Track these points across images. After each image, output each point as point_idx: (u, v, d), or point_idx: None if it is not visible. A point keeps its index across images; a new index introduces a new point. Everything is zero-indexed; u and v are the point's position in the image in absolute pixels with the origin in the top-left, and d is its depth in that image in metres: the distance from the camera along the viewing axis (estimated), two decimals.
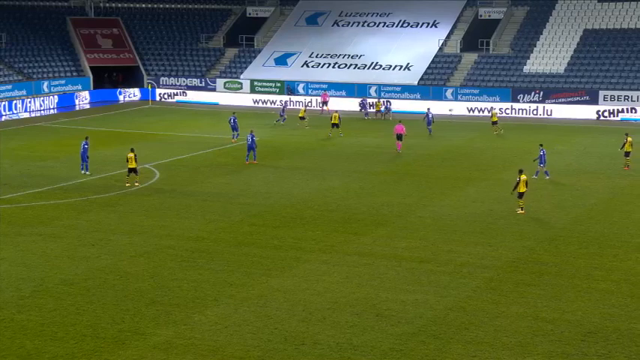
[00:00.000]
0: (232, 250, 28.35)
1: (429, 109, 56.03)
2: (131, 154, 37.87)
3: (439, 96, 67.05)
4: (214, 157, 46.16)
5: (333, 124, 52.50)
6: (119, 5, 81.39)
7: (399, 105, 66.92)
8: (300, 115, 57.34)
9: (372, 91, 69.31)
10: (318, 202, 35.46)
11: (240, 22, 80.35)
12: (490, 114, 57.10)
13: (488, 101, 65.97)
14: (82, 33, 76.55)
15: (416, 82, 69.52)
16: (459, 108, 65.15)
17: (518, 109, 65.07)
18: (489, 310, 22.70)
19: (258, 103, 70.43)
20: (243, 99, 71.10)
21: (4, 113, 62.16)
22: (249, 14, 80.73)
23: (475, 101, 66.46)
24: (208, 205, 34.86)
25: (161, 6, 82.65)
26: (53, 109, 66.45)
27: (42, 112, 64.57)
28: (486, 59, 70.70)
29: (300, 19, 79.39)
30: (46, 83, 69.26)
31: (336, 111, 55.08)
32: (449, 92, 67.72)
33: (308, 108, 63.55)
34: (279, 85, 71.83)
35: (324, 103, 67.23)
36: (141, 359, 19.43)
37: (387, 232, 30.85)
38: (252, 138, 43.59)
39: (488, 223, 32.02)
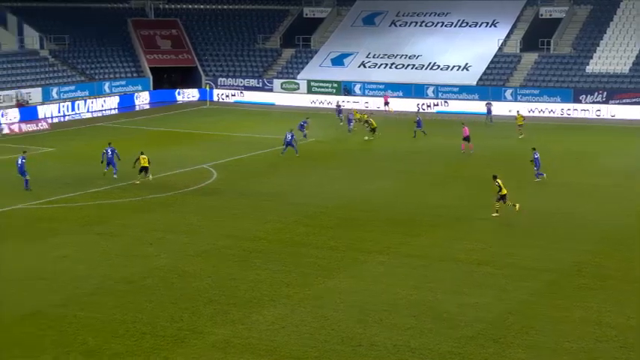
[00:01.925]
0: (289, 250, 28.42)
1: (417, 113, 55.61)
2: (144, 157, 38.60)
3: (498, 96, 66.20)
4: (271, 157, 46.36)
5: (372, 129, 51.22)
6: (178, 6, 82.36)
7: (457, 106, 66.36)
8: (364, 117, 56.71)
9: (430, 91, 68.83)
10: (373, 203, 35.34)
11: (297, 22, 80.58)
12: (515, 116, 54.52)
13: (549, 102, 64.96)
14: (142, 34, 77.68)
15: (474, 83, 68.81)
16: (518, 108, 64.15)
17: (580, 110, 63.91)
18: (550, 314, 22.33)
19: (314, 103, 70.53)
20: (300, 99, 71.26)
21: (67, 113, 63.41)
22: (306, 15, 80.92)
23: (535, 102, 65.49)
24: (265, 205, 35.02)
25: (219, 7, 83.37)
26: (114, 109, 67.54)
27: (103, 112, 65.69)
28: (547, 59, 69.62)
29: (357, 20, 79.27)
30: (107, 84, 70.47)
31: (372, 113, 53.81)
32: (508, 93, 66.86)
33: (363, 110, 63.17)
34: (335, 85, 71.85)
35: (386, 103, 67.15)
36: (199, 358, 19.60)
37: (444, 233, 30.59)
38: (291, 136, 45.63)
39: (547, 226, 31.51)
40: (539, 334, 20.93)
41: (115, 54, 74.76)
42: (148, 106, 70.21)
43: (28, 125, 56.51)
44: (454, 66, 71.00)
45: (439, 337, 20.81)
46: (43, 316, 22.01)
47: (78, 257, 27.42)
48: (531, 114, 64.09)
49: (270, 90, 73.59)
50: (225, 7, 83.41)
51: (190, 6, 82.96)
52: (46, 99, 64.51)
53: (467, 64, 70.74)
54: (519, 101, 65.76)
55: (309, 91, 72.43)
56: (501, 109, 62.98)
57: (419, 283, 24.86)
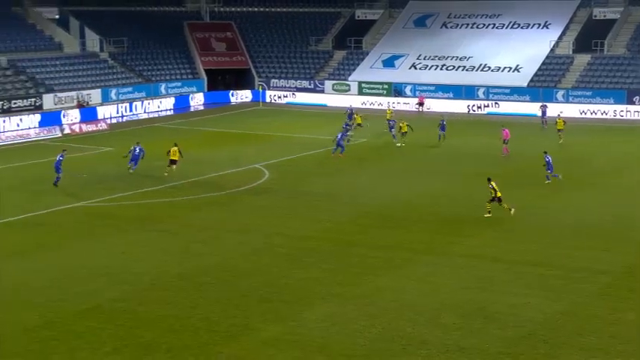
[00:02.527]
0: (339, 249, 28.48)
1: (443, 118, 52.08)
2: (175, 148, 39.90)
3: (549, 98, 65.32)
4: (322, 157, 46.47)
5: (403, 133, 49.84)
6: (233, 10, 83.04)
7: (507, 107, 65.71)
8: (357, 121, 55.07)
9: (480, 92, 68.26)
10: (424, 203, 35.20)
11: (348, 25, 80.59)
12: (556, 121, 52.09)
13: (602, 103, 63.90)
14: (197, 37, 78.50)
15: (525, 84, 68.01)
16: (569, 110, 63.28)
17: (634, 112, 62.71)
18: (604, 316, 21.99)
19: (365, 104, 70.47)
20: (351, 100, 71.21)
21: (125, 114, 64.43)
22: (358, 17, 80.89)
23: (587, 103, 64.47)
24: (316, 204, 35.14)
25: (273, 10, 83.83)
26: (170, 110, 68.38)
27: (159, 113, 66.55)
28: (600, 60, 68.47)
29: (409, 22, 78.97)
30: (163, 85, 71.40)
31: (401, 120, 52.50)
32: (560, 94, 65.94)
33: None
34: (386, 86, 71.70)
35: (421, 104, 66.96)
36: (251, 353, 19.77)
37: (495, 234, 30.33)
38: (341, 136, 46.04)
39: (601, 228, 31.02)
40: (591, 336, 20.64)
41: (171, 56, 75.71)
42: (202, 107, 70.94)
43: (88, 125, 57.56)
44: (505, 67, 70.29)
45: (489, 337, 20.66)
46: (103, 310, 22.43)
47: (136, 254, 27.87)
48: (583, 115, 63.18)
49: (322, 91, 73.74)
50: (278, 10, 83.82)
51: (245, 9, 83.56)
52: (105, 100, 65.63)
53: (518, 65, 69.98)
54: (571, 103, 64.84)
55: (360, 92, 72.40)
56: (553, 110, 62.11)
57: (468, 283, 24.70)
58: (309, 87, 74.45)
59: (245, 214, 33.44)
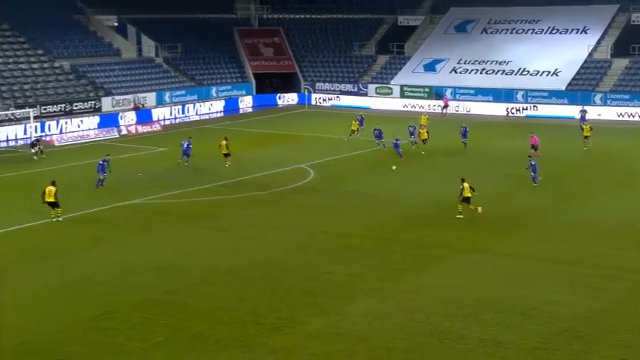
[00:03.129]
0: (381, 246, 28.46)
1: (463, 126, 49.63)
2: (224, 142, 42.82)
3: (587, 101, 64.32)
4: (365, 158, 46.44)
5: (423, 140, 48.24)
6: (280, 16, 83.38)
7: (546, 110, 64.95)
8: (352, 127, 52.36)
9: (519, 96, 67.54)
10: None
11: (391, 30, 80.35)
12: (581, 127, 49.85)
13: (639, 106, 62.75)
14: (246, 42, 79.02)
15: (564, 88, 67.08)
16: (607, 113, 62.27)
17: None
18: (638, 314, 21.63)
19: (407, 107, 70.25)
20: (393, 103, 71.10)
21: (177, 116, 65.13)
22: (401, 23, 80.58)
23: (625, 106, 63.36)
24: (359, 203, 35.14)
25: (318, 16, 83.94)
26: (220, 112, 68.88)
27: (210, 115, 67.11)
28: (638, 64, 67.21)
29: (450, 27, 78.45)
30: (214, 89, 71.99)
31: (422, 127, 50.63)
32: (597, 97, 64.90)
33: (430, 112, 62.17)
34: (427, 90, 71.33)
35: (445, 106, 66.53)
36: (296, 345, 19.88)
37: (533, 233, 30.03)
38: (397, 141, 45.35)
39: (635, 228, 30.49)
40: (626, 333, 20.34)
41: (221, 61, 76.32)
42: (250, 110, 71.37)
43: (143, 127, 58.31)
44: (544, 71, 69.43)
45: (526, 332, 20.49)
46: (156, 302, 22.74)
47: (187, 249, 28.19)
48: (620, 118, 62.16)
49: (365, 94, 73.65)
50: (324, 16, 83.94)
51: (292, 16, 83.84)
52: (160, 103, 66.42)
53: (556, 69, 69.07)
54: (609, 106, 63.80)
55: (402, 95, 72.15)
56: (591, 114, 61.21)
57: (506, 281, 24.51)
58: (353, 90, 74.43)
59: (291, 212, 33.59)
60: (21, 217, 31.85)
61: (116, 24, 72.49)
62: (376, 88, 73.67)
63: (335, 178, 40.81)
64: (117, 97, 63.50)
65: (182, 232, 30.43)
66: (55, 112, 58.12)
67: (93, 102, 61.49)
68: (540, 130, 50.88)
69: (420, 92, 71.57)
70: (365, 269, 25.78)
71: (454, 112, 66.99)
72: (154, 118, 62.32)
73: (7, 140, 51.01)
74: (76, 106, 60.03)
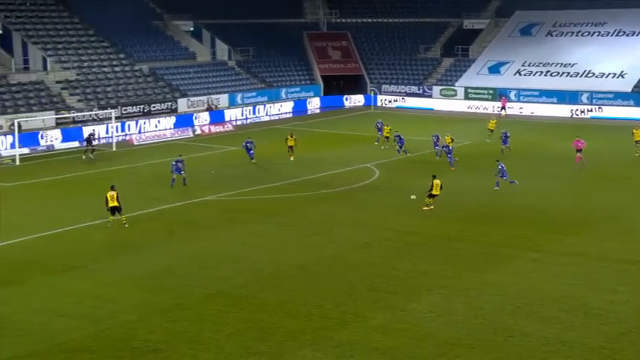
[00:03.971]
0: (445, 244, 28.12)
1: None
2: (292, 138, 43.96)
3: None
4: (430, 157, 45.95)
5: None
6: (348, 20, 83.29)
7: (611, 112, 63.22)
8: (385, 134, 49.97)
9: (584, 98, 65.88)
10: (526, 202, 34.29)
11: (456, 34, 79.40)
12: (632, 132, 46.93)
13: None
14: (315, 46, 79.22)
15: (630, 90, 65.14)
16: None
17: None
18: None
19: (470, 108, 69.32)
20: (457, 105, 70.27)
21: (248, 116, 65.71)
22: (466, 26, 79.54)
23: None
24: (422, 202, 34.76)
25: (385, 20, 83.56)
26: (289, 113, 69.20)
27: (279, 115, 67.50)
28: None
29: (515, 30, 77.05)
30: (283, 90, 72.37)
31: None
32: None
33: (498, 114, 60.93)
34: (491, 92, 70.23)
35: (503, 108, 65.32)
36: (361, 339, 19.76)
37: (597, 233, 29.22)
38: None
39: None
40: None
41: (291, 64, 76.70)
42: (318, 111, 71.49)
43: (216, 127, 58.99)
44: (609, 73, 67.55)
45: (590, 331, 19.91)
46: (227, 295, 22.91)
47: (258, 244, 28.35)
48: None
49: (430, 96, 72.98)
50: (390, 20, 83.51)
51: (359, 20, 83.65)
52: (232, 104, 67.12)
53: (622, 71, 67.11)
54: None
55: (466, 97, 71.24)
56: None
57: (570, 280, 23.89)
58: (418, 92, 73.84)
59: (357, 210, 33.47)
60: (101, 212, 32.55)
61: (192, 29, 73.59)
62: (440, 89, 72.93)
63: (400, 177, 40.51)
64: (192, 99, 64.44)
65: (252, 227, 30.63)
66: (134, 112, 59.34)
67: (169, 103, 62.53)
68: (605, 132, 49.56)
69: (484, 94, 70.54)
70: (429, 266, 25.50)
71: (518, 113, 65.80)
72: (227, 119, 62.99)
73: (93, 133, 52.17)
74: (154, 107, 61.15)
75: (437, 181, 32.71)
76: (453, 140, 44.32)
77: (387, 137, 49.16)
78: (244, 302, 22.29)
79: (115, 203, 29.77)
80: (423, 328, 20.38)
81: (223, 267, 25.58)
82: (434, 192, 32.67)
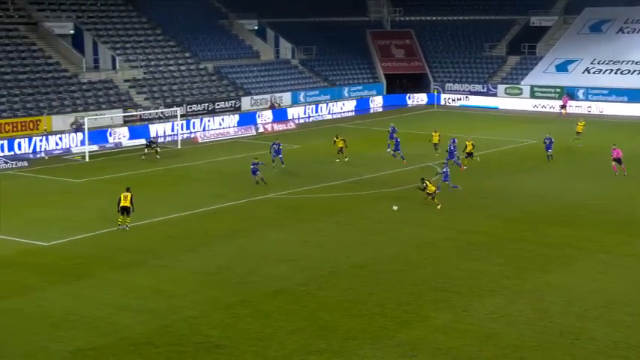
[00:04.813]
0: (508, 245, 27.67)
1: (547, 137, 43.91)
2: (339, 139, 43.39)
3: None
4: (493, 158, 45.28)
5: (469, 153, 42.83)
6: (412, 18, 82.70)
7: None
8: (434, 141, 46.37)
9: None
10: (592, 203, 33.50)
11: (523, 31, 78.05)
12: (576, 124, 45.82)
13: None
14: (378, 44, 78.95)
15: None
16: None
17: None
18: None
19: (537, 107, 68.04)
20: (522, 104, 69.04)
21: (311, 115, 65.90)
22: (533, 24, 78.10)
23: None
24: (486, 201, 34.33)
25: (450, 18, 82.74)
26: (351, 111, 69.12)
27: (342, 114, 67.49)
28: None
29: (584, 28, 75.26)
30: (346, 89, 72.35)
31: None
32: None
33: None
34: (558, 90, 68.78)
35: (563, 106, 63.79)
36: (423, 339, 19.60)
37: None
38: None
39: None
40: None
41: (354, 62, 76.61)
42: (381, 109, 71.20)
43: (279, 125, 59.34)
44: None
45: None
46: (288, 292, 23.01)
47: (318, 242, 28.40)
48: None
49: (494, 95, 71.92)
50: (455, 18, 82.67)
51: (423, 18, 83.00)
52: (295, 102, 67.45)
53: None
54: None
55: (532, 95, 69.96)
56: None
57: (637, 282, 23.19)
58: (482, 90, 72.87)
59: (418, 209, 33.20)
60: (167, 209, 33.10)
61: (256, 28, 74.19)
62: (505, 88, 71.81)
63: (463, 176, 39.99)
64: (255, 97, 65.00)
65: (312, 226, 30.70)
66: (199, 110, 60.18)
67: (233, 101, 63.21)
68: None
69: (550, 92, 69.15)
70: (492, 267, 25.12)
71: (586, 112, 64.23)
72: (289, 117, 63.31)
73: (157, 137, 53.12)
74: (218, 105, 61.90)
75: (427, 182, 32.95)
76: (474, 147, 42.52)
77: (435, 144, 45.64)
78: (305, 300, 22.35)
79: (127, 204, 29.35)
80: (486, 329, 20.08)
81: (284, 264, 25.70)
82: (429, 190, 32.78)
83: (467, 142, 42.95)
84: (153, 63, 63.15)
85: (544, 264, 25.31)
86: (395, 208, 32.29)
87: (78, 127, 50.37)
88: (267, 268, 25.28)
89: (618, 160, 39.21)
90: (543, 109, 67.02)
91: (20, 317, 20.91)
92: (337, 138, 44.47)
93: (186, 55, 66.29)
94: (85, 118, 48.38)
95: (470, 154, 42.46)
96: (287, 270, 25.13)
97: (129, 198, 29.47)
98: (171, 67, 64.01)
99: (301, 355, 18.72)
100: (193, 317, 21.04)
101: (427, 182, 33.12)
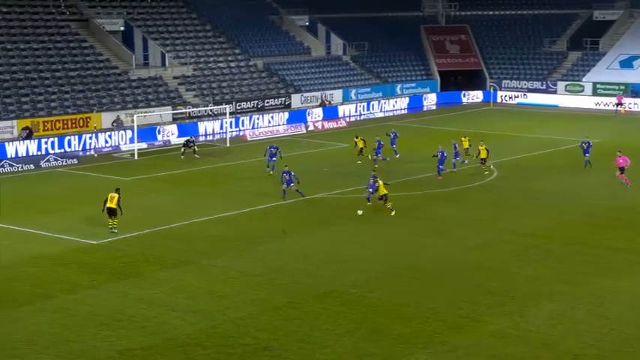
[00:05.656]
0: (566, 248, 27.25)
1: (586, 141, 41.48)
2: (359, 139, 43.24)
3: None
4: (550, 157, 44.63)
5: (483, 160, 40.61)
6: (468, 13, 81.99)
7: None
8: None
9: None
10: None
11: (585, 25, 76.64)
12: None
13: None
14: (433, 40, 78.45)
15: None
16: None
17: None
18: None
19: (599, 105, 66.75)
20: (584, 101, 67.82)
21: (362, 113, 65.80)
22: (596, 18, 76.63)
23: None
24: (542, 203, 33.87)
25: (507, 13, 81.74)
26: (403, 109, 68.84)
27: (394, 112, 67.26)
28: None
29: None
30: (399, 86, 72.10)
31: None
32: None
33: None
34: (622, 87, 67.36)
35: (619, 104, 62.77)
36: (478, 344, 19.43)
37: None
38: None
39: None
40: None
41: (407, 58, 76.28)
42: (434, 107, 70.70)
43: (329, 123, 59.41)
44: None
45: None
46: (338, 294, 23.02)
47: (368, 243, 28.36)
48: None
49: (554, 92, 70.80)
50: (513, 12, 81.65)
51: (480, 12, 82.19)
52: (346, 99, 67.47)
53: None
54: None
55: (594, 93, 68.69)
56: None
57: None
58: (541, 88, 71.79)
59: (473, 210, 32.93)
60: (216, 208, 33.43)
61: (307, 23, 74.44)
62: (566, 85, 70.63)
63: (519, 176, 39.52)
64: (305, 94, 65.22)
65: (362, 226, 30.66)
66: (248, 108, 60.65)
67: (283, 99, 63.53)
68: None
69: (614, 90, 67.77)
70: (549, 271, 24.76)
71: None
72: (340, 115, 63.33)
73: (206, 135, 53.78)
74: (267, 102, 62.29)
75: (380, 182, 32.01)
76: (488, 152, 39.91)
77: (467, 149, 43.25)
78: (355, 302, 22.34)
79: (113, 205, 28.97)
80: (544, 335, 19.81)
81: (333, 265, 25.74)
82: (381, 192, 31.85)
83: (480, 148, 40.26)
84: (202, 59, 63.88)
85: (604, 268, 24.86)
86: (360, 212, 31.61)
87: (119, 125, 51.24)
88: (315, 269, 25.35)
89: (622, 169, 36.03)
90: (606, 107, 65.72)
91: (69, 316, 21.38)
92: (357, 138, 44.14)
93: (236, 51, 66.89)
94: (135, 116, 49.19)
95: (483, 160, 40.14)
96: (336, 271, 25.15)
97: (115, 199, 29.06)
98: (221, 64, 64.66)
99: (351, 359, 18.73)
100: (241, 318, 21.22)
101: (379, 182, 31.85)
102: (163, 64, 60.71)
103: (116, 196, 29.29)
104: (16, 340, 19.77)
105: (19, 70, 53.21)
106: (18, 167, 42.25)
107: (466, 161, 42.09)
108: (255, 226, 30.90)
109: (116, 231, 29.29)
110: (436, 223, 30.83)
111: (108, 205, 29.16)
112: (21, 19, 57.72)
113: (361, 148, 43.76)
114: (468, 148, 43.61)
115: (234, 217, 32.07)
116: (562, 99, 69.30)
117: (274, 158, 40.58)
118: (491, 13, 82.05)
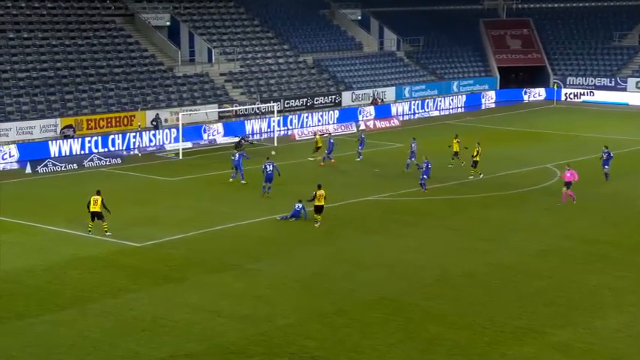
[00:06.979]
0: (633, 256, 26.82)
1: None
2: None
3: None
4: (619, 159, 43.71)
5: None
6: (531, 6, 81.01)
7: None
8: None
9: None
10: None
11: None
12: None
13: None
14: (492, 34, 77.73)
15: None
16: None
17: None
18: None
19: None
20: None
21: (417, 111, 65.52)
22: None
23: None
24: (607, 207, 33.35)
25: (574, 5, 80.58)
26: (460, 107, 68.40)
27: (450, 110, 66.85)
28: None
29: None
30: (455, 83, 71.63)
31: None
32: None
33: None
34: None
35: None
36: (537, 357, 19.21)
37: None
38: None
39: None
40: None
41: (465, 54, 75.74)
42: (493, 105, 70.05)
43: (382, 122, 59.29)
44: None
45: None
46: (389, 302, 22.98)
47: (421, 248, 28.24)
48: None
49: (624, 89, 69.53)
50: (580, 4, 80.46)
51: (544, 5, 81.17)
52: (399, 97, 67.27)
53: None
54: None
55: None
56: None
57: None
58: (609, 85, 70.57)
59: (533, 214, 32.56)
60: (262, 210, 33.62)
61: (359, 18, 74.46)
62: (637, 82, 69.33)
63: (584, 179, 38.81)
64: (356, 92, 65.21)
65: (415, 230, 30.55)
66: (296, 106, 60.89)
67: (333, 96, 63.63)
68: None
69: None
70: (616, 280, 24.33)
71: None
72: (393, 113, 63.18)
73: (252, 134, 54.12)
74: (317, 100, 62.45)
75: (320, 192, 30.78)
76: (478, 154, 39.13)
77: (456, 153, 42.54)
78: (407, 310, 22.27)
79: (97, 209, 29.20)
80: (611, 349, 19.49)
81: (384, 271, 25.70)
82: (317, 202, 30.68)
83: (475, 147, 39.32)
84: (250, 56, 64.35)
85: None
86: (273, 152, 31.02)
87: (157, 125, 51.85)
88: (365, 275, 25.34)
89: (567, 185, 34.20)
90: None
91: (112, 320, 21.73)
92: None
93: (285, 47, 67.23)
94: (180, 114, 49.76)
95: (475, 163, 39.39)
96: (387, 277, 25.11)
97: (99, 202, 29.27)
98: (269, 60, 65.05)
99: None
100: (288, 326, 21.32)
101: (317, 192, 30.86)
102: (210, 61, 61.31)
103: (99, 198, 29.51)
104: (58, 344, 20.17)
105: (63, 66, 54.27)
106: (61, 167, 43.13)
107: (451, 165, 41.94)
108: (303, 228, 31.01)
109: (108, 233, 29.55)
110: (494, 228, 30.55)
111: (92, 209, 29.36)
112: (66, 14, 58.91)
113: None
114: (457, 152, 42.50)
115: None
116: (632, 97, 68.06)
117: (269, 171, 36.25)
118: (555, 5, 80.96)
